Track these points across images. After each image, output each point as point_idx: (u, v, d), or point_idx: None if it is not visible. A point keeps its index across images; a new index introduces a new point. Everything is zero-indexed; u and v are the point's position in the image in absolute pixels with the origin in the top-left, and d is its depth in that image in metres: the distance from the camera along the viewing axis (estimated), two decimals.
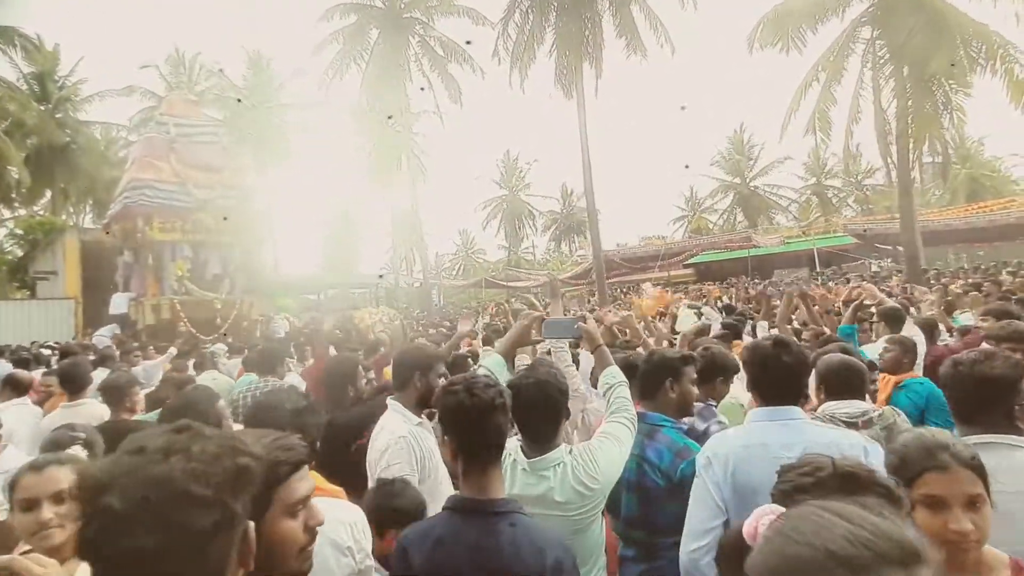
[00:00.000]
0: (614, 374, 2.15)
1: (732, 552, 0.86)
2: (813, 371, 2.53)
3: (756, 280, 24.12)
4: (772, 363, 1.73)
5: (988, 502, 1.20)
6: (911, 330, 4.40)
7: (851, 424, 2.12)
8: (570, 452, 1.90)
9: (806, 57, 15.11)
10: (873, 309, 5.32)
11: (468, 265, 53.56)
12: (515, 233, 51.75)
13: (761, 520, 0.81)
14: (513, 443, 1.92)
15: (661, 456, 2.07)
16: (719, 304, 13.51)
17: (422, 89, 24.60)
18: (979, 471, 1.22)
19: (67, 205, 28.63)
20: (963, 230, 25.37)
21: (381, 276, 26.71)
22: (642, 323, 4.94)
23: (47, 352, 8.60)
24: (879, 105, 14.67)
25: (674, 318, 8.27)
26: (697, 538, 1.68)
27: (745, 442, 1.72)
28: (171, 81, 28.41)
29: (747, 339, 5.75)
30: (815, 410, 2.27)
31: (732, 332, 5.65)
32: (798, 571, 0.62)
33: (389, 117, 22.36)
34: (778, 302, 5.08)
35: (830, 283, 16.90)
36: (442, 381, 2.72)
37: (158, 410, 3.90)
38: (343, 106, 27.34)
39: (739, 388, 3.08)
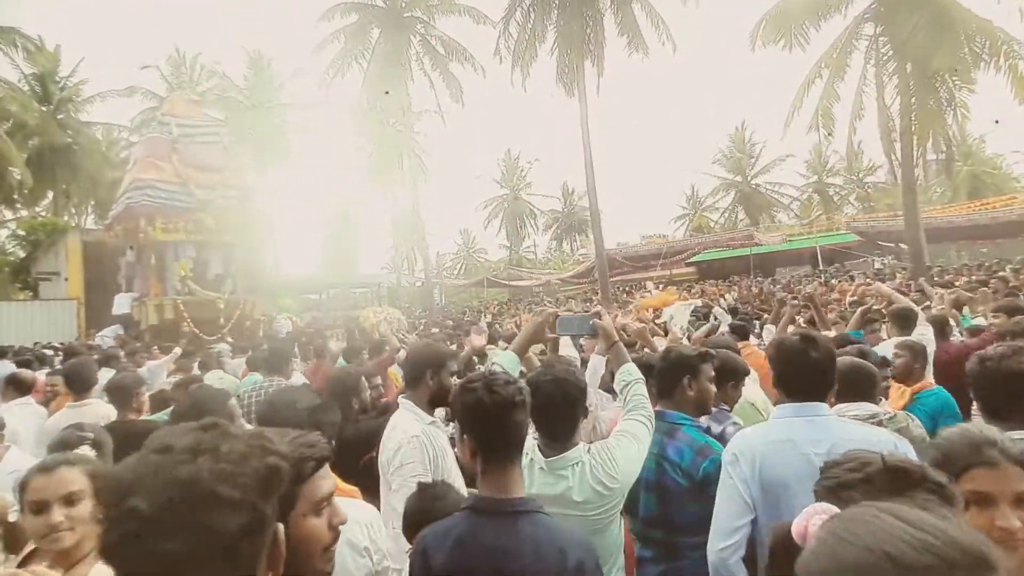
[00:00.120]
0: (631, 371, 2.12)
1: (781, 552, 0.83)
2: None
3: (759, 278, 24.09)
4: (799, 359, 1.70)
5: None
6: (921, 328, 4.36)
7: None
8: (588, 451, 1.87)
9: (808, 55, 15.07)
10: (883, 310, 5.28)
11: (469, 264, 53.53)
12: (516, 232, 51.71)
13: (812, 519, 0.78)
14: (530, 442, 1.88)
15: (682, 455, 2.03)
16: (724, 303, 13.49)
17: (431, 85, 24.58)
18: None
19: (69, 206, 28.65)
20: (966, 227, 25.30)
21: (380, 283, 26.67)
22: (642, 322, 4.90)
23: (50, 353, 8.59)
24: (882, 102, 14.61)
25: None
26: (725, 536, 1.65)
27: (772, 438, 1.69)
28: (172, 82, 28.41)
29: (753, 340, 5.73)
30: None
31: (740, 333, 5.63)
32: None
33: (401, 114, 22.28)
34: (788, 304, 5.03)
35: (833, 281, 16.86)
36: (454, 380, 2.71)
37: (165, 410, 3.90)
38: (344, 106, 27.34)
39: (750, 388, 3.05)
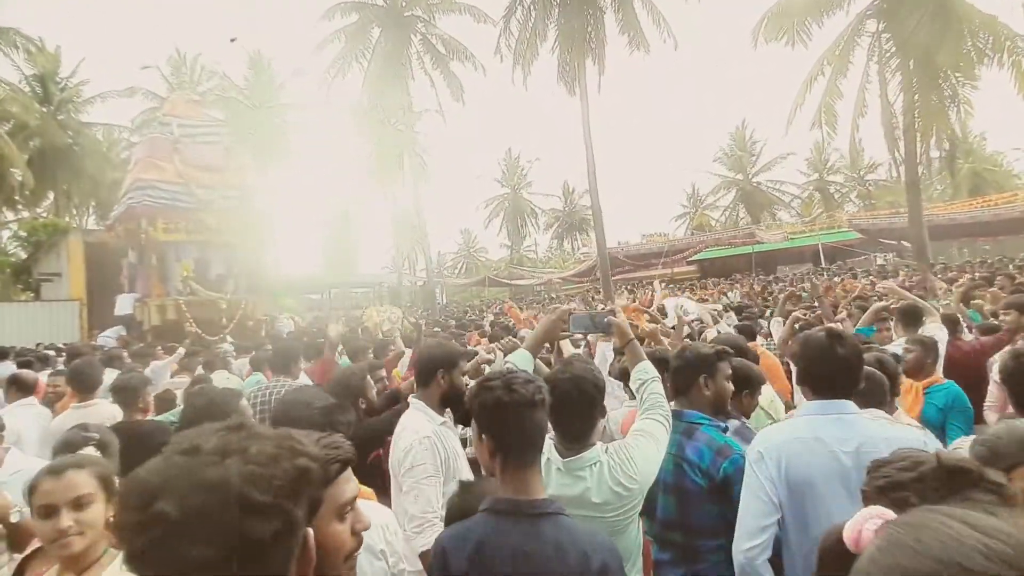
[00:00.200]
0: (647, 369, 2.08)
1: (831, 557, 0.79)
2: None
3: (761, 276, 24.04)
4: (826, 355, 1.67)
5: None
6: (934, 327, 4.32)
7: None
8: (606, 451, 1.83)
9: (809, 53, 15.00)
10: (891, 307, 5.24)
11: (470, 264, 53.52)
12: (517, 231, 51.70)
13: (866, 524, 0.74)
14: (546, 441, 1.85)
15: (701, 455, 1.99)
16: (727, 301, 13.45)
17: (432, 85, 24.55)
18: None
19: (70, 207, 28.65)
20: (968, 224, 25.27)
21: (382, 283, 26.65)
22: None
23: (52, 354, 8.55)
24: (886, 99, 14.56)
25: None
26: (752, 536, 1.62)
27: (798, 436, 1.65)
28: (172, 82, 28.40)
29: (759, 340, 5.69)
30: None
31: (747, 333, 5.59)
32: None
33: (402, 113, 22.19)
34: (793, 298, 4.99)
35: (835, 279, 16.82)
36: (466, 379, 2.67)
37: (171, 411, 3.87)
38: (344, 105, 27.29)
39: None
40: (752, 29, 15.29)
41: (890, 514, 0.73)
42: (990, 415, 3.84)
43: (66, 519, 1.49)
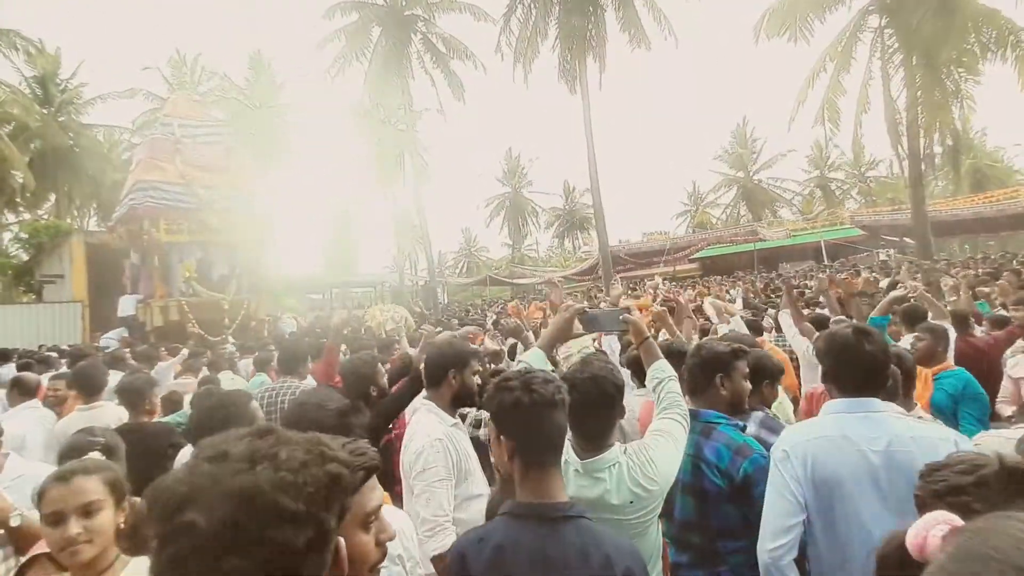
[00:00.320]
0: (663, 368, 2.04)
1: (891, 565, 0.75)
2: None
3: (763, 273, 24.00)
4: (853, 352, 1.63)
5: None
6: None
7: None
8: (625, 451, 1.79)
9: (810, 50, 14.94)
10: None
11: (471, 263, 53.50)
12: (518, 230, 51.67)
13: (932, 531, 0.70)
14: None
15: (720, 455, 1.95)
16: (730, 298, 13.39)
17: (433, 84, 24.52)
18: None
19: (71, 208, 28.63)
20: (970, 220, 25.18)
21: (383, 282, 26.62)
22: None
23: (54, 355, 8.51)
24: (889, 95, 14.49)
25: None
26: (777, 536, 1.58)
27: (824, 434, 1.62)
28: (173, 83, 28.36)
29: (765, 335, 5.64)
30: None
31: (754, 329, 5.54)
32: None
33: (402, 112, 22.15)
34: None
35: (839, 275, 16.75)
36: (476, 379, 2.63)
37: (177, 412, 3.84)
38: (345, 105, 27.28)
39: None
40: (754, 25, 15.26)
41: (957, 520, 0.69)
42: (1004, 409, 3.81)
43: (74, 527, 1.46)
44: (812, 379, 3.76)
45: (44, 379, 4.99)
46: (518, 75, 20.49)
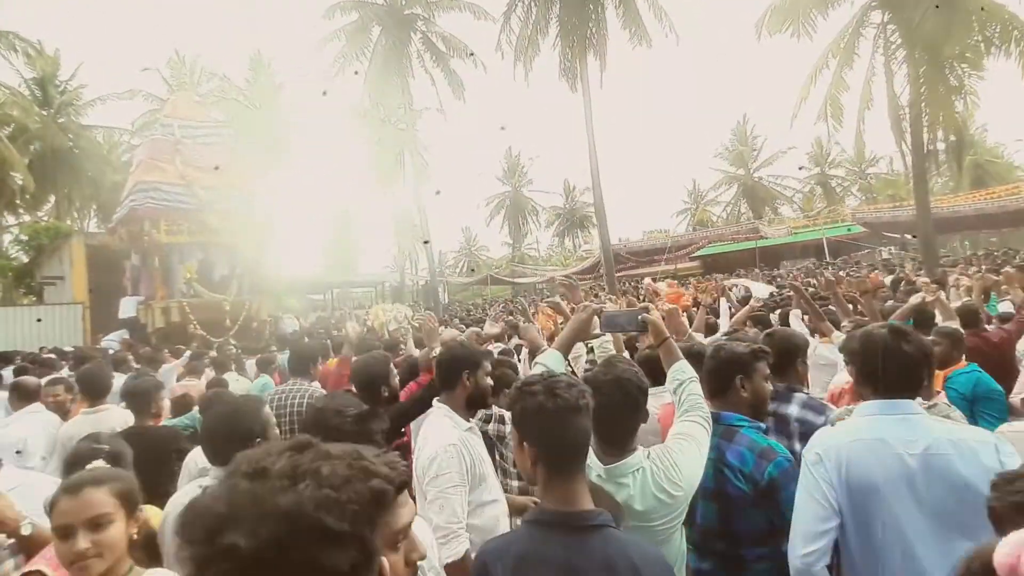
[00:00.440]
0: (683, 369, 1.99)
1: None
2: None
3: (765, 271, 23.94)
4: (891, 353, 1.58)
5: None
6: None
7: None
8: (648, 456, 1.75)
9: (811, 47, 14.90)
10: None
11: (472, 262, 53.47)
12: (518, 229, 51.61)
13: None
14: None
15: (743, 459, 1.90)
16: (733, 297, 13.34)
17: (433, 83, 24.48)
18: None
19: (71, 210, 28.58)
20: (972, 217, 25.09)
21: (384, 282, 26.56)
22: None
23: (54, 357, 8.46)
24: (892, 91, 14.44)
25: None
26: (810, 541, 1.53)
27: (859, 437, 1.57)
28: (172, 84, 28.30)
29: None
30: None
31: (763, 323, 5.50)
32: None
33: (402, 112, 22.10)
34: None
35: (841, 273, 16.71)
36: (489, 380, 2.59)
37: (185, 415, 3.79)
38: (345, 105, 27.21)
39: None
40: (756, 22, 15.20)
41: None
42: (1019, 403, 3.76)
43: (83, 541, 1.41)
44: (818, 379, 3.72)
45: (46, 382, 4.96)
46: (519, 73, 20.44)
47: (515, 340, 6.96)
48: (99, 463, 1.83)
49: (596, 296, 19.90)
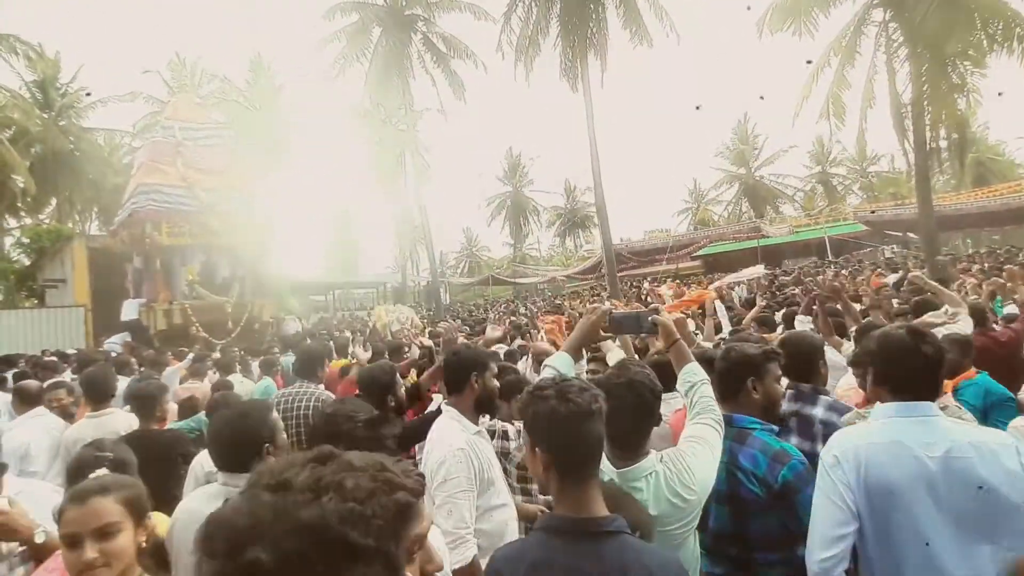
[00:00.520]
0: (695, 371, 1.97)
1: None
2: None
3: (767, 270, 23.88)
4: (909, 355, 1.55)
5: None
6: (962, 321, 4.21)
7: None
8: (661, 459, 1.73)
9: (812, 46, 14.86)
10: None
11: (473, 263, 53.45)
12: (519, 229, 51.59)
13: None
14: None
15: (756, 462, 1.88)
16: (736, 295, 13.33)
17: (433, 83, 24.48)
18: None
19: (73, 212, 28.61)
20: (974, 215, 25.03)
21: (385, 283, 26.57)
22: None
23: (55, 359, 8.44)
24: (894, 89, 14.39)
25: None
26: (827, 546, 1.51)
27: (878, 439, 1.54)
28: (173, 86, 28.32)
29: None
30: None
31: (767, 324, 5.48)
32: None
33: (403, 112, 22.11)
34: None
35: (843, 271, 16.69)
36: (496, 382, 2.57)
37: (192, 417, 3.77)
38: (346, 105, 27.24)
39: None
40: (757, 21, 15.17)
41: None
42: None
43: (90, 550, 1.39)
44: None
45: (47, 386, 4.93)
46: (519, 73, 20.42)
47: (518, 341, 6.94)
48: (102, 471, 1.81)
49: (597, 295, 19.89)
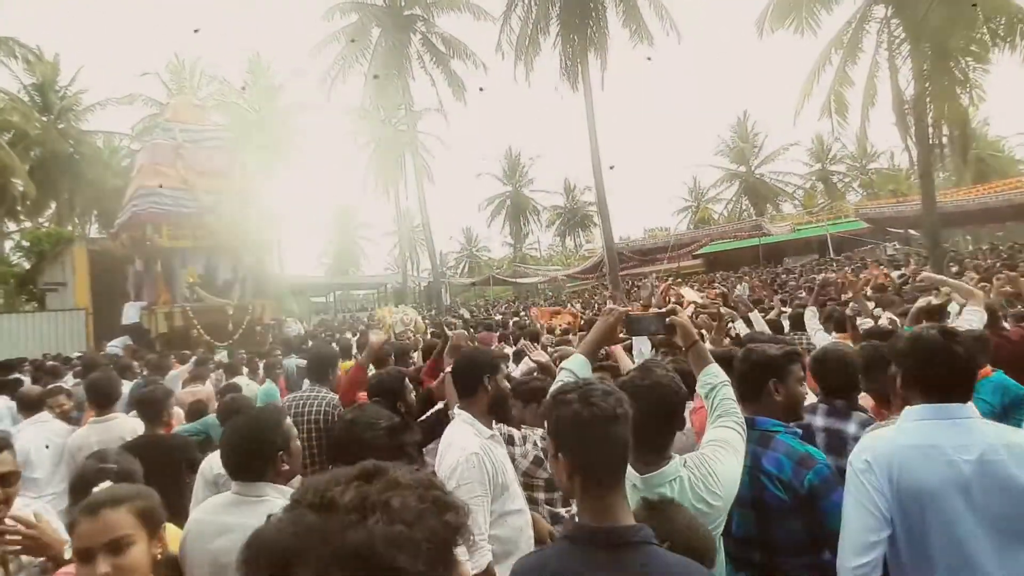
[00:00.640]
0: (715, 373, 1.92)
1: None
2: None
3: (768, 268, 23.87)
4: (942, 356, 1.51)
5: None
6: (969, 312, 4.16)
7: None
8: (684, 464, 1.68)
9: (813, 44, 14.78)
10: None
11: (473, 263, 53.41)
12: (519, 229, 51.54)
13: None
14: None
15: (781, 466, 1.83)
16: (738, 293, 13.28)
17: (433, 83, 24.44)
18: None
19: (73, 216, 28.55)
20: (976, 211, 24.96)
21: (386, 284, 26.55)
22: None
23: (58, 364, 8.38)
24: (896, 85, 14.33)
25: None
26: (860, 553, 1.46)
27: (910, 443, 1.50)
28: (172, 88, 28.28)
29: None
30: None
31: (775, 327, 5.43)
32: None
33: (403, 113, 22.09)
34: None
35: (845, 269, 16.65)
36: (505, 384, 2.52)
37: (198, 420, 3.73)
38: (346, 106, 27.21)
39: None
40: (757, 18, 15.11)
41: None
42: None
43: (103, 565, 1.35)
44: None
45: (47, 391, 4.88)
46: (519, 73, 20.36)
47: (522, 341, 6.90)
48: (106, 484, 1.76)
49: (612, 296, 19.83)
